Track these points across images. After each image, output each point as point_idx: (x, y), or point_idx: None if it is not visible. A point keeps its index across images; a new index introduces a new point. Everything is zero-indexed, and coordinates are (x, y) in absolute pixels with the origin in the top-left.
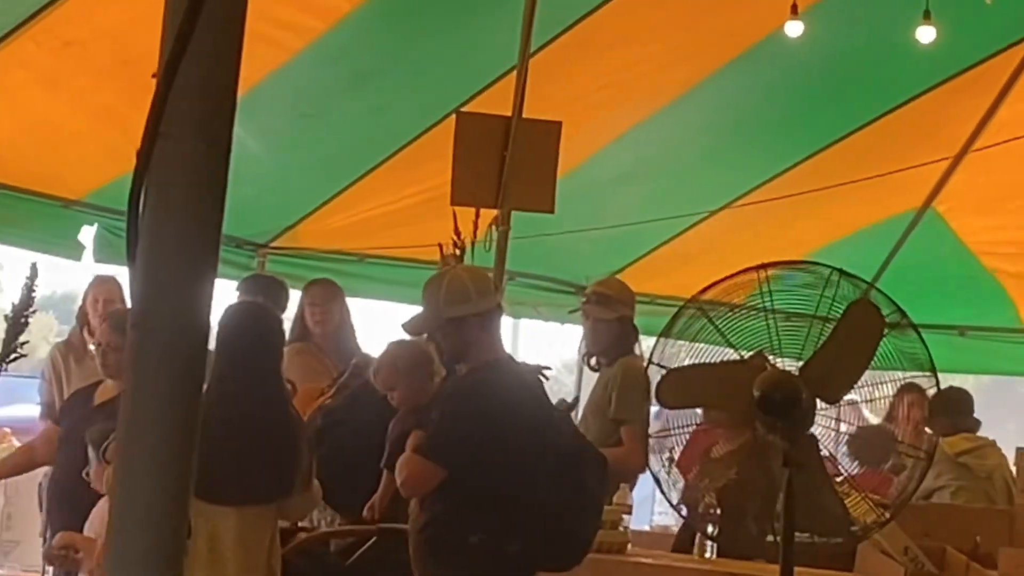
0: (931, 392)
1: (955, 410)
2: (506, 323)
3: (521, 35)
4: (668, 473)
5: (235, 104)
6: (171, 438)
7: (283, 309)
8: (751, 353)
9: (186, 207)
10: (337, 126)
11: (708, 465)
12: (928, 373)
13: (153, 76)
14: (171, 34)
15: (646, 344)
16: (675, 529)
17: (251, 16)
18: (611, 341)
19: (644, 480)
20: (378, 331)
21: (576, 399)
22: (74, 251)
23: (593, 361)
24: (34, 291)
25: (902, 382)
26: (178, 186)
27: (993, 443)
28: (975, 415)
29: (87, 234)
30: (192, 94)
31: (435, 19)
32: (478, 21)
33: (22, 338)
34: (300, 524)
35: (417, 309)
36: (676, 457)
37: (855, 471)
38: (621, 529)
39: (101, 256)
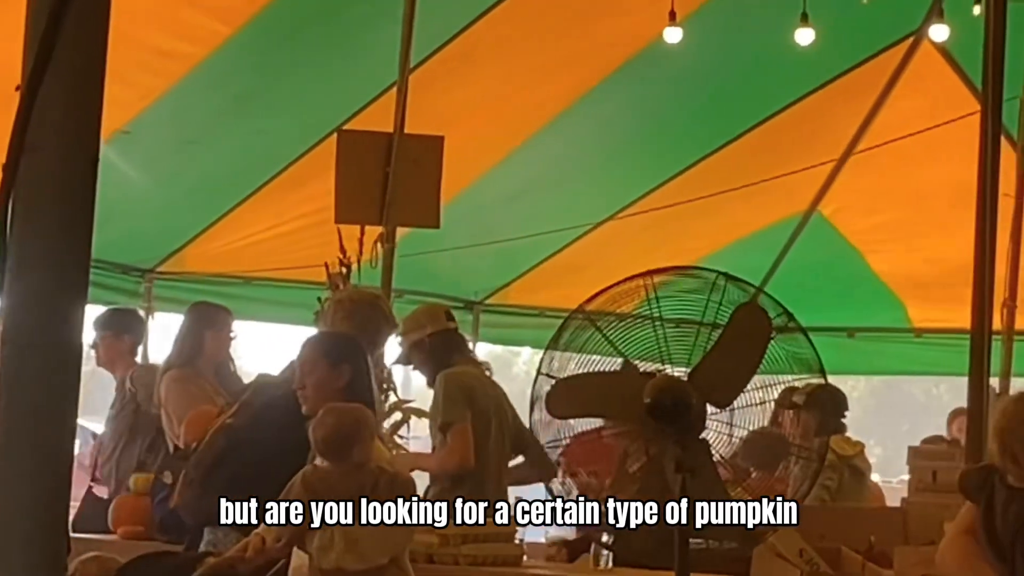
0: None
1: (829, 410)
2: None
3: (400, 50)
4: (563, 484)
5: (101, 115)
6: (45, 451)
7: (141, 339)
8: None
9: (55, 220)
10: (221, 150)
11: (621, 479)
12: (818, 375)
13: (17, 89)
14: (34, 45)
15: (537, 356)
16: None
17: (131, 46)
18: (428, 359)
19: (540, 491)
20: (264, 353)
21: None
22: None
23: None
24: None
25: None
26: (47, 199)
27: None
28: (843, 419)
29: None
30: (58, 105)
31: (313, 40)
32: (356, 40)
33: None
34: (205, 549)
35: (303, 329)
36: (565, 466)
37: (750, 475)
38: (516, 541)
39: None
